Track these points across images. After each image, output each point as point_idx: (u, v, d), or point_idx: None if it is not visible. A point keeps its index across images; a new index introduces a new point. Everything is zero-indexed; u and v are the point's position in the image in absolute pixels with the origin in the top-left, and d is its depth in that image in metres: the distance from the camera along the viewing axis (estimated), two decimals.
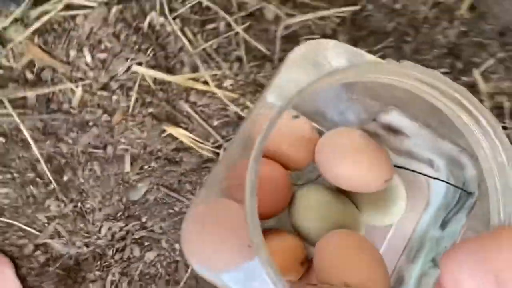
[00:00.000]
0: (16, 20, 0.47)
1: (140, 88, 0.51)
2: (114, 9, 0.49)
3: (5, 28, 0.47)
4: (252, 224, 0.23)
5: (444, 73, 0.30)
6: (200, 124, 0.52)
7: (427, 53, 0.53)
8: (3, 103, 0.48)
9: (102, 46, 0.50)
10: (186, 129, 0.52)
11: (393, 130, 0.35)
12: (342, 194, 0.37)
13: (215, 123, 0.52)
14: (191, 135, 0.52)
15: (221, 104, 0.52)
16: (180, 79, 0.50)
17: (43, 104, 0.49)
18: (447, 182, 0.36)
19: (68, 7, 0.48)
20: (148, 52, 0.50)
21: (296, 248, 0.34)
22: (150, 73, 0.50)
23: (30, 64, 0.49)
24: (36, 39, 0.48)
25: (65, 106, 0.50)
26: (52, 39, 0.49)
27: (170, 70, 0.51)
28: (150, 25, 0.50)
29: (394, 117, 0.33)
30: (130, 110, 0.51)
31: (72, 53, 0.49)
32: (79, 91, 0.50)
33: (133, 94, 0.50)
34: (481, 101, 0.30)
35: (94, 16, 0.49)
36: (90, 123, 0.51)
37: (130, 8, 0.49)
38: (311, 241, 0.34)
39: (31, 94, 0.49)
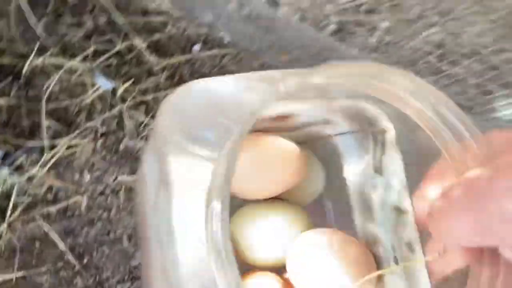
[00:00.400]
0: (36, 162, 0.72)
1: (125, 190, 0.75)
2: (99, 142, 0.74)
3: (26, 170, 0.72)
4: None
5: None
6: None
7: None
8: (36, 219, 0.71)
9: (95, 167, 0.74)
10: None
11: (282, 117, 0.33)
12: (267, 202, 0.35)
13: None
14: None
15: None
16: None
17: (63, 214, 0.73)
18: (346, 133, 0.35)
19: (69, 147, 0.73)
20: (126, 165, 0.75)
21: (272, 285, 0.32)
22: (130, 179, 0.75)
23: (49, 189, 0.73)
24: (51, 172, 0.73)
25: (77, 212, 0.73)
26: (61, 169, 0.73)
27: None
28: (126, 147, 0.75)
29: (275, 108, 0.32)
30: (121, 205, 0.74)
31: (76, 175, 0.73)
32: (84, 200, 0.73)
33: (121, 195, 0.74)
34: None
35: (86, 149, 0.74)
36: (95, 220, 0.74)
37: (110, 139, 0.75)
38: (274, 264, 0.34)
39: (52, 209, 0.72)
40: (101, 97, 0.76)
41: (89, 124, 0.74)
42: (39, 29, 0.74)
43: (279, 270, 0.34)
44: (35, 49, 0.74)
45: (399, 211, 0.31)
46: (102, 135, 0.75)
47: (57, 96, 0.74)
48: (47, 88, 0.73)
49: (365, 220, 0.35)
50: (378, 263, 0.32)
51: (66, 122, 0.74)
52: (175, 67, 0.79)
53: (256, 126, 0.30)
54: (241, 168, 0.29)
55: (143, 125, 0.76)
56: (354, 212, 0.36)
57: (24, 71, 0.74)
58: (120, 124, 0.76)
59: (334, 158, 0.38)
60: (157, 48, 0.79)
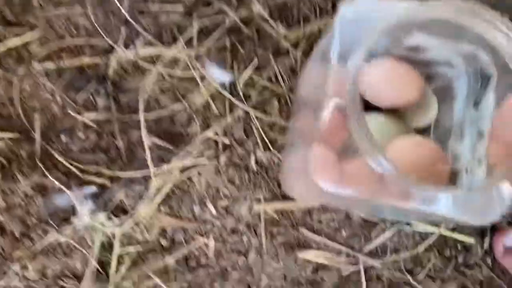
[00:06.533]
0: (141, 197, 0.51)
1: (265, 222, 0.52)
2: (222, 159, 0.52)
3: (129, 210, 0.51)
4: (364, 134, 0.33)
5: None
6: (330, 239, 0.52)
7: None
8: (149, 276, 0.51)
9: (221, 195, 0.52)
10: (318, 249, 0.52)
11: (416, 48, 0.42)
12: (390, 112, 0.45)
13: (344, 233, 0.53)
14: (324, 254, 0.52)
15: (344, 213, 0.52)
16: (298, 204, 0.52)
17: (183, 265, 0.52)
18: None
19: (182, 170, 0.52)
20: (263, 186, 0.52)
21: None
22: (271, 207, 0.52)
23: (162, 232, 0.52)
24: (162, 208, 0.52)
25: (203, 260, 0.52)
26: (175, 203, 0.52)
27: (287, 197, 0.52)
28: (257, 161, 0.52)
29: (416, 38, 0.40)
30: (264, 246, 0.52)
31: (197, 209, 0.52)
32: (211, 243, 0.52)
33: (261, 231, 0.52)
34: None
35: (206, 170, 0.52)
36: (229, 269, 0.52)
37: (236, 153, 0.52)
38: None
39: (170, 259, 0.51)
40: (216, 96, 0.53)
41: (205, 135, 0.52)
42: (122, 10, 0.53)
43: None
44: (121, 38, 0.53)
45: (481, 135, 0.42)
46: (225, 148, 0.53)
47: (157, 100, 0.53)
48: (143, 91, 0.52)
49: (456, 143, 0.45)
50: (455, 174, 0.43)
51: (173, 137, 0.53)
52: (311, 37, 0.54)
53: (393, 52, 0.43)
54: (374, 79, 0.42)
55: (277, 127, 0.53)
56: (451, 137, 0.46)
57: (110, 71, 0.53)
58: (248, 131, 0.53)
59: (449, 98, 0.47)
60: (283, 14, 0.55)
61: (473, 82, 0.45)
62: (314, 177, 0.39)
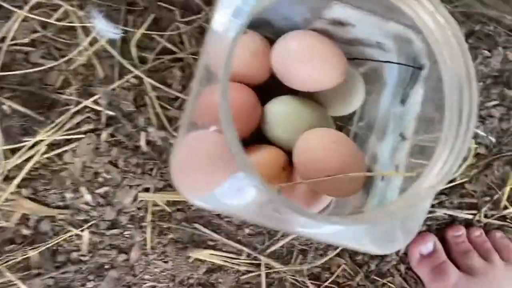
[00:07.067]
0: None
1: (153, 216, 0.43)
2: (104, 134, 0.42)
3: None
4: (231, 139, 0.25)
5: None
6: (230, 238, 0.45)
7: None
8: (3, 273, 0.41)
9: (100, 179, 0.43)
10: (214, 248, 0.45)
11: (339, 23, 0.36)
12: (307, 97, 0.39)
13: (247, 232, 0.45)
14: (221, 254, 0.45)
15: None
16: None
17: (49, 260, 0.43)
18: (398, 63, 0.38)
19: (51, 146, 0.41)
20: (153, 172, 0.43)
21: (276, 156, 0.36)
22: (161, 197, 0.43)
23: (24, 219, 0.42)
24: (23, 191, 0.42)
25: (74, 255, 0.43)
26: (41, 185, 0.42)
27: None
28: (149, 141, 0.43)
29: (338, 10, 0.35)
30: (148, 242, 0.44)
31: (68, 195, 0.42)
32: (86, 235, 0.43)
33: (147, 225, 0.43)
34: None
35: (83, 148, 0.42)
36: (106, 267, 0.44)
37: (122, 128, 0.42)
38: (287, 147, 0.37)
39: (32, 252, 0.42)
40: (102, 55, 0.42)
41: (83, 104, 0.42)
42: None
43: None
44: None
45: (402, 137, 0.37)
46: (108, 123, 0.43)
47: (24, 55, 0.42)
48: (4, 41, 0.41)
49: (377, 139, 0.40)
50: (370, 177, 0.37)
51: (42, 104, 0.42)
52: None
53: (314, 26, 0.37)
54: (289, 56, 0.36)
55: (177, 102, 0.43)
56: (372, 133, 0.41)
57: None
58: (140, 103, 0.43)
59: (377, 87, 0.41)
60: None
61: (404, 71, 0.38)
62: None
